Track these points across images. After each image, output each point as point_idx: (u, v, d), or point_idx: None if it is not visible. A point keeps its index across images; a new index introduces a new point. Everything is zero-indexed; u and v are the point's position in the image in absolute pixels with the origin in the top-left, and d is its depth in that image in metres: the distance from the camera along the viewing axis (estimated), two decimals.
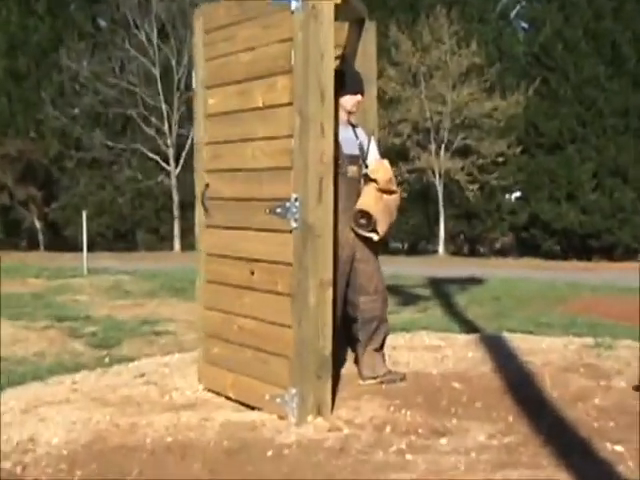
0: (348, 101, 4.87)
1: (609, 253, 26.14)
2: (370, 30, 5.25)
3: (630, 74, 26.23)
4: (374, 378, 4.93)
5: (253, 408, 4.44)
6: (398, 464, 3.56)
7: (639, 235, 26.22)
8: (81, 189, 29.81)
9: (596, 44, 26.79)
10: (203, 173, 4.92)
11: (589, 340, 6.12)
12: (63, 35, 29.65)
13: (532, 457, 3.59)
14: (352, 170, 4.83)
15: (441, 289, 10.69)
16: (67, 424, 4.21)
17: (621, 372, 5.05)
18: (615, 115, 26.21)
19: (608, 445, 3.69)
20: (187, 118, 26.44)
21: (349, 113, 4.92)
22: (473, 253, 29.35)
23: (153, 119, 29.20)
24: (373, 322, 4.92)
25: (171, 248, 29.57)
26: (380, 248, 5.02)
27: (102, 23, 31.52)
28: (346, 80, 4.82)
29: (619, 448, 3.64)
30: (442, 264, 21.00)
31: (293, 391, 4.17)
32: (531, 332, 7.01)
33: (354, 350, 5.12)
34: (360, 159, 4.91)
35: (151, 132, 29.30)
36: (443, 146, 26.58)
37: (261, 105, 4.37)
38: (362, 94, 4.96)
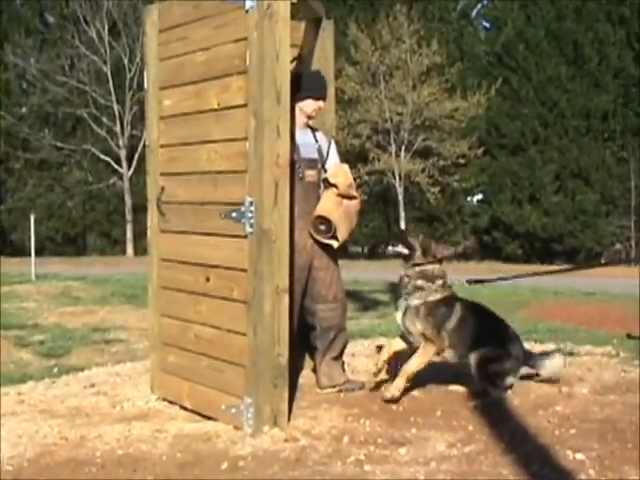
0: (309, 105, 4.78)
1: (572, 257, 26.45)
2: (328, 29, 5.20)
3: (592, 75, 26.68)
4: (332, 387, 4.87)
5: (210, 418, 4.35)
6: (356, 475, 3.49)
7: (602, 238, 26.65)
8: (29, 191, 29.27)
9: (558, 44, 27.21)
10: (157, 176, 4.81)
11: (551, 346, 6.13)
12: (8, 31, 29.01)
13: (492, 466, 3.55)
14: (310, 174, 4.74)
15: None
16: (13, 438, 4.08)
17: (582, 379, 5.05)
18: (577, 116, 26.64)
19: (569, 453, 3.66)
20: (140, 118, 26.16)
21: (308, 117, 4.83)
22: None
23: (104, 119, 28.83)
24: (332, 331, 4.84)
25: (124, 252, 29.21)
26: (339, 254, 4.94)
27: (50, 19, 30.92)
28: (309, 84, 4.76)
29: (580, 456, 3.61)
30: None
31: (249, 401, 4.09)
32: None
33: (312, 358, 5.04)
34: (319, 163, 4.82)
35: (102, 133, 28.91)
36: (403, 147, 26.61)
37: (216, 106, 4.28)
38: (325, 100, 4.88)
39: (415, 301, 4.58)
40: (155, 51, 4.80)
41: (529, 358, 4.84)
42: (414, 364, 4.56)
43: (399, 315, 4.68)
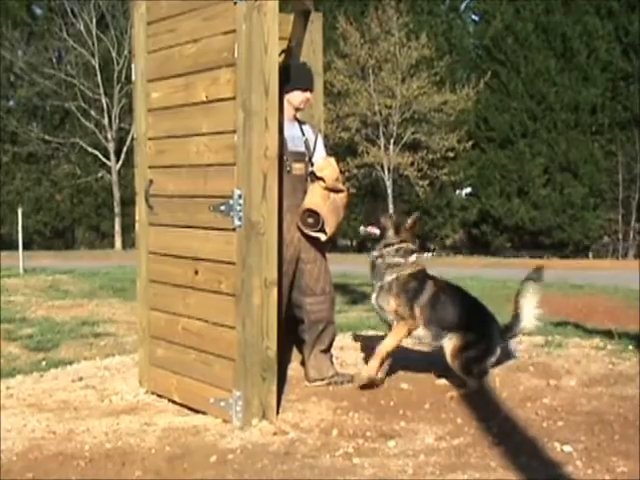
0: (296, 97, 4.77)
1: (560, 250, 26.55)
2: (316, 22, 5.18)
3: (580, 69, 26.75)
4: (321, 380, 4.86)
5: (198, 411, 4.35)
6: (345, 468, 3.49)
7: (589, 231, 26.75)
8: (17, 185, 29.15)
9: (546, 38, 27.27)
10: (145, 169, 4.79)
11: (539, 339, 6.15)
12: None
13: (481, 459, 3.57)
14: (297, 167, 4.74)
15: None
16: (1, 432, 4.06)
17: (570, 371, 5.07)
18: (566, 110, 26.74)
19: (557, 445, 3.68)
20: (128, 111, 26.03)
21: (296, 109, 4.82)
22: (423, 250, 29.30)
23: (93, 112, 28.72)
24: (320, 324, 4.84)
25: (112, 246, 29.14)
26: (328, 247, 4.93)
27: (38, 11, 30.82)
28: (296, 75, 4.74)
29: (568, 448, 3.64)
30: None
31: (237, 394, 4.09)
32: None
33: (301, 351, 5.04)
34: (306, 156, 4.81)
35: (91, 126, 28.81)
36: (392, 141, 26.61)
37: (205, 99, 4.26)
38: (312, 91, 4.86)
39: (387, 277, 4.65)
40: (143, 43, 4.77)
41: (507, 332, 4.89)
42: (387, 344, 4.65)
43: (374, 297, 4.75)
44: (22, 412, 4.45)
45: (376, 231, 4.75)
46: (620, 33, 26.76)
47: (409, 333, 4.67)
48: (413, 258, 4.70)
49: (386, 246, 4.70)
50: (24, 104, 29.33)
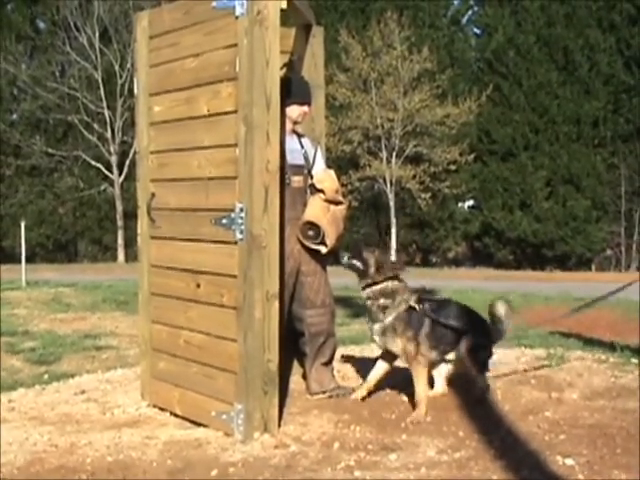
0: (294, 111, 4.79)
1: (563, 262, 26.55)
2: (318, 35, 5.21)
3: (582, 81, 26.83)
4: (323, 393, 4.86)
5: (200, 425, 4.34)
6: None
7: (592, 244, 26.75)
8: (20, 198, 29.16)
9: (548, 50, 27.38)
10: (147, 182, 4.81)
11: (541, 352, 6.14)
12: None
13: (483, 472, 3.55)
14: (296, 180, 4.75)
15: None
16: (2, 445, 4.07)
17: (572, 384, 5.06)
18: (568, 123, 26.78)
19: (559, 458, 3.66)
20: (131, 125, 26.11)
21: (295, 123, 4.84)
22: (426, 263, 29.33)
23: (95, 125, 28.78)
24: (321, 336, 4.84)
25: (115, 259, 29.13)
26: (328, 260, 4.93)
27: (41, 25, 30.90)
28: (294, 89, 4.75)
29: (570, 461, 3.62)
30: None
31: (239, 407, 4.09)
32: None
33: (302, 364, 5.04)
34: (304, 169, 4.83)
35: (93, 139, 28.87)
36: (394, 154, 26.61)
37: (206, 113, 4.28)
38: (309, 105, 4.88)
39: (388, 319, 4.49)
40: (145, 57, 4.80)
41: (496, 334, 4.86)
42: (420, 391, 4.46)
43: (378, 338, 4.58)
44: (24, 425, 4.45)
45: (359, 264, 4.60)
46: (622, 46, 26.84)
47: (427, 366, 4.55)
48: (399, 298, 4.52)
49: (370, 285, 4.55)
50: (27, 117, 29.39)
